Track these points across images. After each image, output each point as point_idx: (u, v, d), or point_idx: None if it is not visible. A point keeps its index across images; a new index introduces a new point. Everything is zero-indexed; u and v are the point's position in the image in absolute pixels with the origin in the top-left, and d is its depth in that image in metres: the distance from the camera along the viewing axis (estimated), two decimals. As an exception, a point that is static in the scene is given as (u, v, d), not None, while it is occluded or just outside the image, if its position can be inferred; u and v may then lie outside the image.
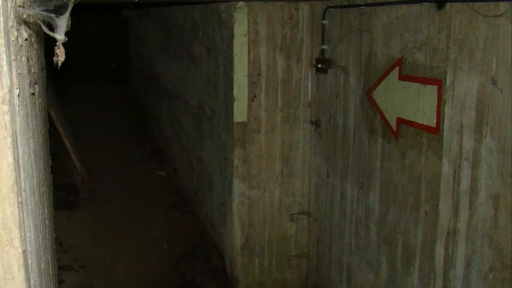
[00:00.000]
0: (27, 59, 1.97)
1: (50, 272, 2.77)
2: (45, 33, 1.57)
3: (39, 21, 1.56)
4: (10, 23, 1.45)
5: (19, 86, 1.60)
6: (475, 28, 3.22)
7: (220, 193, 5.89)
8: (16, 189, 1.43)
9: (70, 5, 1.58)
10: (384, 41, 4.12)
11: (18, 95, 1.57)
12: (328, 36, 4.98)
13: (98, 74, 11.34)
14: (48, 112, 4.94)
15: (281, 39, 5.19)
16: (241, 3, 5.04)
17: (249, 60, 5.15)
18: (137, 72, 10.75)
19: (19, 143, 1.55)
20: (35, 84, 2.48)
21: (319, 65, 5.08)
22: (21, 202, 1.50)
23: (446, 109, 3.51)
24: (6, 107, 1.37)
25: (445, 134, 3.53)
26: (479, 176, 3.27)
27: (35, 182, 2.08)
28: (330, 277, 5.22)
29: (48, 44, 2.54)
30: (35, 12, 1.55)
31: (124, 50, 11.39)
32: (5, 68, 1.36)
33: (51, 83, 6.29)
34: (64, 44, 1.57)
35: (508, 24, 2.98)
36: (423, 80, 3.68)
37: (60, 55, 1.57)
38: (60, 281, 5.20)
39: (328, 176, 5.15)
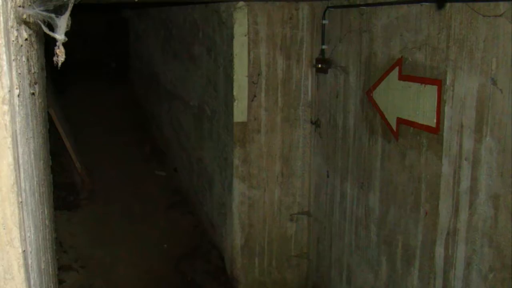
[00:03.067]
0: (27, 59, 1.97)
1: (50, 272, 2.77)
2: (45, 33, 1.57)
3: (39, 21, 1.56)
4: (10, 23, 1.45)
5: (19, 86, 1.60)
6: (475, 28, 3.22)
7: (220, 193, 5.89)
8: (16, 189, 1.43)
9: (70, 5, 1.58)
10: (384, 41, 4.12)
11: (18, 95, 1.57)
12: (328, 36, 4.98)
13: (98, 74, 11.35)
14: (48, 112, 4.94)
15: (281, 39, 5.19)
16: (241, 3, 5.04)
17: (249, 60, 5.15)
18: (137, 72, 10.75)
19: (19, 143, 1.55)
20: (35, 84, 2.48)
21: (319, 65, 5.08)
22: (21, 202, 1.50)
23: (446, 109, 3.51)
24: (6, 107, 1.37)
25: (445, 134, 3.53)
26: (479, 176, 3.27)
27: (35, 182, 2.08)
28: (330, 277, 5.22)
29: (48, 44, 2.54)
30: (35, 12, 1.55)
31: (124, 50, 11.39)
32: (5, 68, 1.36)
33: (51, 83, 6.29)
34: (64, 44, 1.57)
35: (508, 24, 2.98)
36: (423, 80, 3.68)
37: (60, 55, 1.57)
38: (60, 281, 5.20)
39: (328, 176, 5.15)
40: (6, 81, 1.37)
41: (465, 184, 3.38)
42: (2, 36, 1.34)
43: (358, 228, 4.67)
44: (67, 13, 1.57)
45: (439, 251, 3.65)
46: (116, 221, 6.71)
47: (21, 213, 1.49)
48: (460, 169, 3.42)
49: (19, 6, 1.55)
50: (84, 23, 10.71)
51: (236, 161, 5.33)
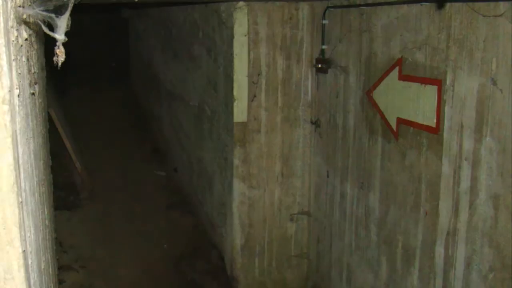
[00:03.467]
0: (27, 59, 1.97)
1: (50, 272, 2.77)
2: (45, 33, 1.57)
3: (39, 21, 1.56)
4: (10, 23, 1.45)
5: (19, 86, 1.60)
6: (475, 28, 3.22)
7: (220, 193, 5.89)
8: (16, 189, 1.43)
9: (70, 5, 1.58)
10: (384, 41, 4.12)
11: (18, 95, 1.57)
12: (328, 36, 4.98)
13: (98, 74, 11.35)
14: (48, 112, 4.94)
15: (281, 39, 5.19)
16: (241, 3, 5.04)
17: (249, 60, 5.15)
18: (137, 72, 10.75)
19: (19, 143, 1.55)
20: (35, 84, 2.48)
21: (319, 65, 5.08)
22: (21, 202, 1.50)
23: (446, 109, 3.51)
24: (6, 107, 1.37)
25: (445, 134, 3.53)
26: (479, 176, 3.27)
27: (35, 182, 2.08)
28: (330, 277, 5.22)
29: (48, 44, 2.53)
30: (35, 12, 1.55)
31: (124, 50, 11.39)
32: (5, 68, 1.36)
33: (51, 83, 6.29)
34: (64, 44, 1.57)
35: (508, 24, 2.98)
36: (423, 80, 3.68)
37: (60, 55, 1.57)
38: (60, 281, 5.20)
39: (328, 176, 5.15)
40: (6, 81, 1.37)
41: (465, 184, 3.38)
42: (2, 36, 1.34)
43: (358, 228, 4.67)
44: (67, 13, 1.57)
45: (439, 251, 3.65)
46: (116, 221, 6.71)
47: (21, 213, 1.49)
48: (460, 169, 3.42)
49: (19, 6, 1.55)
50: (84, 23, 10.72)
51: (236, 161, 5.33)
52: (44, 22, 1.55)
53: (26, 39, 1.82)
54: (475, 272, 3.35)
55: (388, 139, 4.16)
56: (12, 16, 1.48)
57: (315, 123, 5.32)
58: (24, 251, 1.51)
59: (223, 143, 5.65)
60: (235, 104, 5.22)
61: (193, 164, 6.98)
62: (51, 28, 1.56)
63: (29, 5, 1.61)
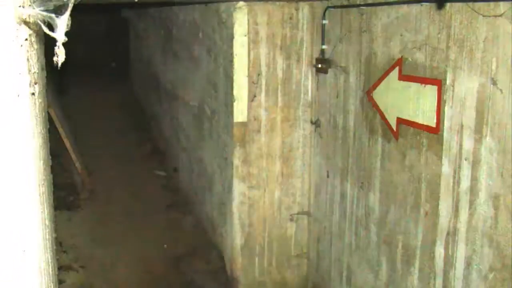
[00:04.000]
0: (27, 59, 1.97)
1: (50, 272, 2.76)
2: (45, 33, 1.57)
3: (39, 21, 1.56)
4: (10, 23, 1.46)
5: (19, 86, 1.60)
6: (475, 28, 3.22)
7: (220, 193, 5.89)
8: (16, 189, 1.43)
9: (70, 5, 1.58)
10: (384, 41, 4.12)
11: (18, 95, 1.57)
12: (328, 36, 4.98)
13: (98, 74, 11.35)
14: (48, 112, 4.94)
15: (281, 39, 5.19)
16: (241, 3, 5.04)
17: (249, 60, 5.15)
18: (137, 72, 10.75)
19: (19, 143, 1.55)
20: (35, 84, 2.48)
21: (319, 65, 5.08)
22: (21, 202, 1.50)
23: (446, 109, 3.51)
24: (6, 107, 1.37)
25: (445, 134, 3.53)
26: (479, 176, 3.27)
27: (35, 182, 2.08)
28: (330, 277, 5.22)
29: (48, 44, 2.53)
30: (35, 12, 1.55)
31: (124, 50, 11.39)
32: (5, 68, 1.36)
33: (51, 83, 6.28)
34: (64, 44, 1.57)
35: (508, 24, 2.98)
36: (423, 80, 3.68)
37: (60, 55, 1.57)
38: (60, 281, 5.20)
39: (328, 176, 5.15)
40: (6, 81, 1.37)
41: (465, 184, 3.38)
42: (2, 36, 1.35)
43: (358, 228, 4.67)
44: (67, 13, 1.57)
45: (439, 251, 3.65)
46: (116, 221, 6.71)
47: (21, 213, 1.49)
48: (460, 169, 3.42)
49: (19, 6, 1.55)
50: (84, 23, 10.71)
51: (236, 161, 5.33)
52: (44, 22, 1.55)
53: (26, 39, 1.82)
54: (475, 272, 3.36)
55: (388, 139, 4.16)
56: (12, 16, 1.48)
57: (315, 123, 5.32)
58: (24, 251, 1.51)
59: (223, 143, 5.65)
60: (235, 104, 5.22)
61: (193, 164, 6.99)
62: (51, 28, 1.56)
63: (29, 5, 1.61)
